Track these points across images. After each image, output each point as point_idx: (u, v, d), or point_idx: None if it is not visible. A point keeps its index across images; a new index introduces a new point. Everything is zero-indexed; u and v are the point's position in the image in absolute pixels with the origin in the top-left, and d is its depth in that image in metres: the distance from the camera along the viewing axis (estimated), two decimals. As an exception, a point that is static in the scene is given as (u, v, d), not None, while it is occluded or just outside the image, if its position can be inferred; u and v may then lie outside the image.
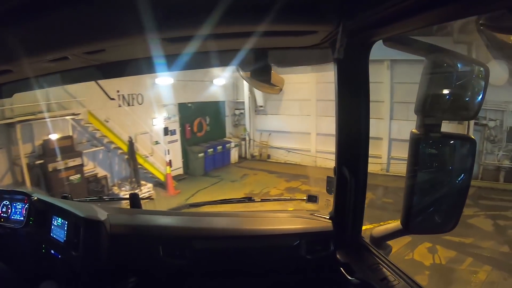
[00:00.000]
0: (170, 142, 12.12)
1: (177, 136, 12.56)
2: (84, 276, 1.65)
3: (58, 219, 1.76)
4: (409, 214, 1.16)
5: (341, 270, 1.39)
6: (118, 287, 1.57)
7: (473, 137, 1.09)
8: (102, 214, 1.70)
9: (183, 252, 1.60)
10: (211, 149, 13.27)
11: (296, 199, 2.46)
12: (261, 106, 14.54)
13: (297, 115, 13.82)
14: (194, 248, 1.60)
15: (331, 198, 1.56)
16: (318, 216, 1.67)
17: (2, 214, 1.99)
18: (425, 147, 1.13)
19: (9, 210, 1.98)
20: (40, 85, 1.69)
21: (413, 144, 1.12)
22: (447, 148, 1.13)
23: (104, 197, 2.13)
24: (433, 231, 1.45)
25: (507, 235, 7.40)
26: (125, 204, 2.01)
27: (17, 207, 1.97)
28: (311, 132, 13.61)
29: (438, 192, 1.14)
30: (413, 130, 1.13)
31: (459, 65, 1.12)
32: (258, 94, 14.09)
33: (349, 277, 1.33)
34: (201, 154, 12.86)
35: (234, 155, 14.51)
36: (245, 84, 13.55)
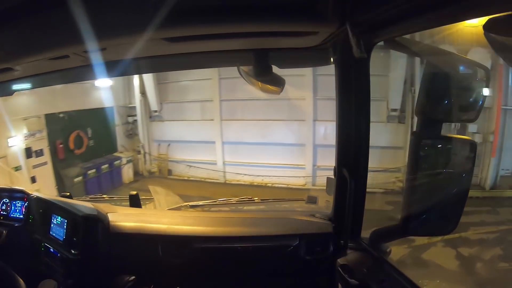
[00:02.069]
0: (36, 166, 8.92)
1: (47, 157, 9.26)
2: (83, 274, 1.65)
3: (57, 218, 1.76)
4: (409, 216, 1.16)
5: (340, 272, 1.39)
6: (117, 286, 1.57)
7: (469, 138, 1.09)
8: (101, 213, 1.70)
9: (182, 252, 1.60)
10: (94, 170, 10.14)
11: (296, 200, 2.47)
12: (156, 111, 11.65)
13: (199, 120, 11.19)
14: (193, 248, 1.60)
15: (330, 199, 1.56)
16: (317, 217, 1.66)
17: (1, 212, 1.99)
18: (425, 149, 1.13)
19: (9, 208, 1.98)
20: (41, 83, 1.69)
21: (413, 146, 1.12)
22: (447, 150, 1.13)
23: (104, 196, 2.13)
24: (432, 233, 1.46)
25: (477, 275, 5.53)
26: (125, 203, 2.01)
27: (17, 205, 1.97)
28: (215, 140, 10.96)
29: (437, 194, 1.14)
30: (413, 132, 1.13)
31: (459, 67, 1.11)
32: (152, 96, 11.30)
33: (348, 279, 1.33)
34: (78, 178, 9.71)
35: (127, 173, 11.41)
36: (136, 85, 11.17)
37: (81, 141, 10.31)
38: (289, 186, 9.97)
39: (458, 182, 1.11)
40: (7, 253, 1.89)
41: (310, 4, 0.88)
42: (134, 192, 1.93)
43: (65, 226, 1.70)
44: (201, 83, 10.63)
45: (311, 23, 0.98)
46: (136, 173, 11.75)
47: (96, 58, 1.25)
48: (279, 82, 1.51)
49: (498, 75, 8.87)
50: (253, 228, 1.72)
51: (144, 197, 1.98)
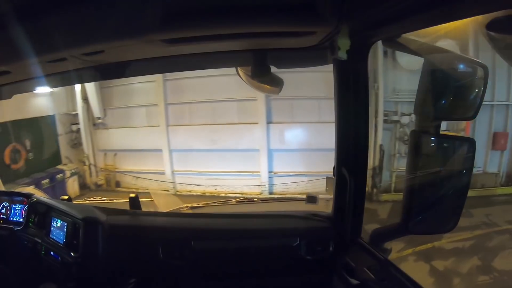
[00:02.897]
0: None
1: (-22, 175, 7.66)
2: (83, 277, 1.64)
3: (57, 221, 1.76)
4: (409, 215, 1.16)
5: (341, 271, 1.39)
6: None
7: (468, 136, 1.10)
8: (101, 215, 1.70)
9: (183, 253, 1.60)
10: (32, 186, 8.18)
11: (296, 199, 2.47)
12: (99, 118, 10.34)
13: (145, 127, 10.06)
14: (193, 249, 1.59)
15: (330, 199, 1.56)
16: (318, 217, 1.66)
17: (1, 216, 1.98)
18: (424, 148, 1.13)
19: (9, 212, 1.97)
20: (39, 86, 1.68)
21: (412, 145, 1.12)
22: (446, 148, 1.14)
23: (104, 199, 2.13)
24: (432, 231, 1.46)
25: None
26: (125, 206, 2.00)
27: (17, 208, 1.96)
28: (162, 148, 9.83)
29: (437, 192, 1.14)
30: (412, 130, 1.13)
31: (457, 65, 1.12)
32: (94, 102, 10.06)
33: (349, 278, 1.33)
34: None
35: (73, 186, 10.11)
36: (78, 90, 10.11)
37: (19, 155, 8.98)
38: (243, 195, 8.54)
39: (457, 180, 1.12)
40: (7, 256, 1.89)
41: (307, 4, 0.88)
42: (134, 194, 1.93)
43: (65, 229, 1.70)
44: (145, 86, 9.44)
45: (308, 23, 0.98)
46: (84, 186, 10.45)
47: (94, 61, 1.25)
48: (277, 82, 1.51)
49: None
50: (253, 228, 1.72)
51: (143, 199, 1.97)
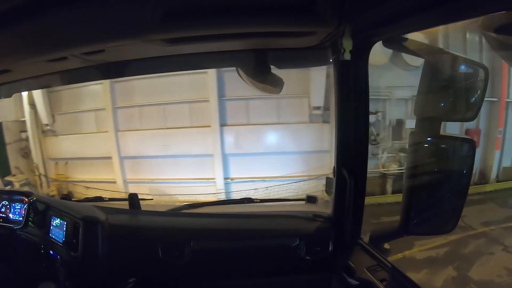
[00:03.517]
0: None
1: None
2: (83, 276, 1.64)
3: (57, 220, 1.76)
4: (408, 216, 1.16)
5: (341, 271, 1.39)
6: None
7: (468, 137, 1.09)
8: (101, 214, 1.70)
9: (182, 253, 1.60)
10: None
11: (296, 200, 2.46)
12: (47, 125, 9.40)
13: (94, 133, 9.16)
14: (193, 249, 1.59)
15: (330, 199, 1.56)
16: (317, 217, 1.66)
17: (1, 215, 1.98)
18: (424, 148, 1.13)
19: (8, 211, 1.98)
20: (39, 85, 1.69)
21: (412, 145, 1.12)
22: (446, 149, 1.13)
23: (103, 197, 2.13)
24: (432, 232, 1.45)
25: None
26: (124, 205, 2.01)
27: (16, 207, 1.96)
28: (112, 155, 8.93)
29: (437, 193, 1.14)
30: (412, 131, 1.13)
31: (458, 66, 1.12)
32: (41, 107, 9.17)
33: (349, 278, 1.33)
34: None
35: None
36: (25, 95, 9.19)
37: (-39, 168, 7.79)
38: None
39: (457, 181, 1.12)
40: (6, 255, 1.89)
41: (308, 4, 0.88)
42: (133, 193, 1.93)
43: (64, 228, 1.70)
44: (94, 88, 8.57)
45: (309, 23, 0.98)
46: (37, 197, 9.54)
47: (95, 60, 1.25)
48: (278, 82, 1.51)
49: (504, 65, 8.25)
50: (253, 228, 1.72)
51: (143, 198, 1.97)
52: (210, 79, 7.87)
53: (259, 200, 2.09)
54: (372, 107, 7.40)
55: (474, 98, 1.06)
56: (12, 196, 1.99)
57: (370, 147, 5.97)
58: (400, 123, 8.63)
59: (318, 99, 7.98)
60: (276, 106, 8.04)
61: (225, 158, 8.28)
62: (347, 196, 1.40)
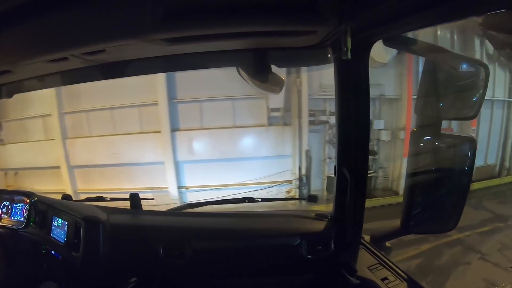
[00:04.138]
0: None
1: None
2: (84, 276, 1.65)
3: (58, 220, 1.76)
4: (409, 214, 1.16)
5: (342, 270, 1.39)
6: None
7: (469, 135, 1.09)
8: (102, 214, 1.70)
9: (183, 253, 1.60)
10: None
11: (297, 199, 2.47)
12: None
13: (42, 141, 8.38)
14: (194, 248, 1.60)
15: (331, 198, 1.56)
16: (318, 216, 1.66)
17: (2, 215, 1.99)
18: (425, 147, 1.13)
19: (10, 211, 1.98)
20: (40, 86, 1.69)
21: (413, 144, 1.12)
22: (447, 148, 1.13)
23: (105, 197, 2.13)
24: (433, 231, 1.46)
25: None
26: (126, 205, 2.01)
27: (17, 207, 1.97)
28: (60, 165, 8.19)
29: (438, 192, 1.14)
30: (413, 130, 1.13)
31: (458, 65, 1.12)
32: None
33: (350, 277, 1.33)
34: None
35: None
36: None
37: None
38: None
39: (458, 179, 1.12)
40: (8, 255, 1.90)
41: (308, 3, 0.88)
42: (135, 192, 1.93)
43: (66, 228, 1.70)
44: (41, 92, 7.43)
45: (309, 22, 0.98)
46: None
47: (95, 60, 1.25)
48: (278, 82, 1.51)
49: (408, 65, 7.98)
50: (254, 227, 1.72)
51: (144, 198, 1.98)
52: (159, 80, 7.15)
53: (260, 199, 2.09)
54: (333, 107, 7.42)
55: (474, 97, 1.06)
56: (13, 196, 2.00)
57: (333, 151, 5.77)
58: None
59: (277, 100, 7.44)
60: (232, 108, 7.47)
61: (178, 165, 7.66)
62: (348, 195, 1.40)
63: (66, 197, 2.08)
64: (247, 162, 7.47)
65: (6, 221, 1.95)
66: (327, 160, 7.98)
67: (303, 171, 7.72)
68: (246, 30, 1.02)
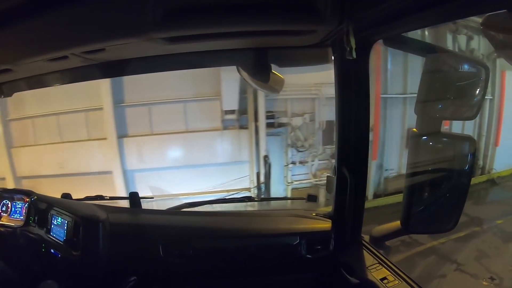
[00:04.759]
0: None
1: None
2: (83, 275, 1.65)
3: (58, 219, 1.76)
4: (409, 214, 1.16)
5: (341, 270, 1.39)
6: (118, 287, 1.57)
7: (469, 135, 1.09)
8: (101, 213, 1.70)
9: (183, 251, 1.60)
10: None
11: (296, 199, 2.47)
12: None
13: None
14: (194, 247, 1.60)
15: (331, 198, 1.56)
16: (318, 216, 1.66)
17: (2, 213, 1.99)
18: (425, 147, 1.13)
19: (9, 209, 1.98)
20: (40, 84, 1.69)
21: (413, 144, 1.12)
22: (447, 148, 1.13)
23: (104, 196, 2.13)
24: (433, 230, 1.46)
25: None
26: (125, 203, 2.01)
27: (17, 206, 1.96)
28: (5, 176, 7.57)
29: (437, 191, 1.14)
30: (413, 130, 1.13)
31: (458, 65, 1.12)
32: None
33: (349, 277, 1.33)
34: None
35: None
36: None
37: None
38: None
39: (457, 179, 1.12)
40: (7, 254, 1.90)
41: (309, 3, 0.88)
42: (134, 191, 1.93)
43: (65, 227, 1.70)
44: None
45: (309, 21, 0.98)
46: None
47: (95, 59, 1.25)
48: (278, 81, 1.51)
49: (376, 63, 7.42)
50: (253, 226, 1.72)
51: (144, 197, 1.98)
52: (103, 82, 6.33)
53: (259, 199, 2.09)
54: (297, 107, 7.20)
55: (474, 97, 1.06)
56: (13, 195, 2.00)
57: (297, 155, 5.74)
58: (332, 125, 7.00)
59: (231, 101, 6.73)
60: (184, 111, 6.84)
61: (128, 174, 7.01)
62: (347, 195, 1.40)
63: (66, 195, 2.08)
64: (202, 169, 6.82)
65: (5, 220, 1.95)
66: (290, 166, 7.30)
67: (262, 178, 7.00)
68: (246, 29, 1.02)
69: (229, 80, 6.44)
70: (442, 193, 1.14)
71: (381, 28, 1.05)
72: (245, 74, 1.48)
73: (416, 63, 6.70)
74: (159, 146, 6.94)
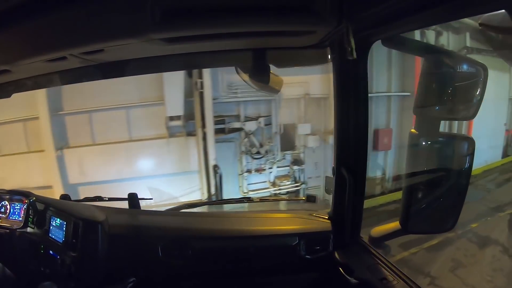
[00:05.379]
0: None
1: None
2: (82, 276, 1.64)
3: (56, 220, 1.75)
4: (408, 214, 1.17)
5: (340, 270, 1.39)
6: None
7: (467, 135, 1.09)
8: (100, 214, 1.69)
9: (182, 252, 1.60)
10: None
11: (296, 199, 2.48)
12: None
13: None
14: (193, 248, 1.59)
15: (329, 198, 1.57)
16: (317, 216, 1.67)
17: (0, 215, 1.98)
18: (423, 147, 1.13)
19: (8, 211, 1.97)
20: (39, 85, 1.68)
21: (412, 144, 1.12)
22: (445, 148, 1.14)
23: (103, 197, 2.13)
24: (432, 231, 1.46)
25: None
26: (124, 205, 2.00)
27: (16, 207, 1.96)
28: None
29: (436, 192, 1.14)
30: (411, 130, 1.13)
31: (457, 65, 1.12)
32: None
33: (348, 277, 1.33)
34: None
35: None
36: None
37: None
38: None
39: (456, 179, 1.12)
40: (6, 255, 1.89)
41: (307, 3, 0.88)
42: (133, 192, 1.93)
43: (64, 228, 1.70)
44: None
45: (308, 22, 0.98)
46: None
47: (94, 60, 1.25)
48: (277, 82, 1.51)
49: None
50: (252, 227, 1.72)
51: (143, 198, 1.97)
52: (39, 91, 5.62)
53: (258, 199, 2.09)
54: (252, 110, 6.58)
55: (473, 97, 1.06)
56: (11, 196, 1.99)
57: (253, 163, 5.39)
58: (290, 128, 7.09)
59: (175, 106, 6.13)
60: (127, 118, 6.27)
61: (70, 189, 6.27)
62: (346, 195, 1.40)
63: (65, 197, 2.08)
64: (149, 181, 6.27)
65: (4, 221, 1.95)
66: (245, 175, 6.73)
67: (213, 191, 6.27)
68: (245, 30, 1.02)
69: (173, 83, 5.93)
70: (441, 193, 1.14)
71: (379, 28, 1.05)
72: (244, 75, 1.48)
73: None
74: (102, 157, 6.31)
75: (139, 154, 6.32)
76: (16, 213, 1.95)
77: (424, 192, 1.16)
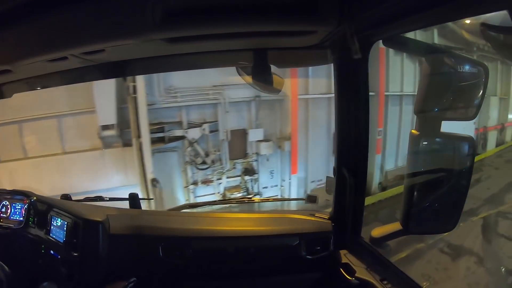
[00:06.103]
0: None
1: None
2: (83, 276, 1.64)
3: (57, 220, 1.76)
4: (409, 215, 1.16)
5: (341, 270, 1.39)
6: None
7: (468, 136, 1.09)
8: (101, 214, 1.70)
9: (183, 252, 1.60)
10: None
11: (296, 199, 2.48)
12: None
13: None
14: (193, 248, 1.60)
15: (330, 199, 1.56)
16: (317, 216, 1.66)
17: (1, 214, 1.99)
18: (424, 147, 1.13)
19: (9, 211, 1.98)
20: (40, 85, 1.69)
21: (413, 144, 1.12)
22: (446, 148, 1.13)
23: (104, 197, 2.13)
24: (433, 231, 1.46)
25: None
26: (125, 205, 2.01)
27: (17, 207, 1.96)
28: None
29: (437, 192, 1.14)
30: (412, 131, 1.13)
31: (457, 65, 1.12)
32: None
33: (349, 277, 1.33)
34: None
35: None
36: None
37: None
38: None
39: (457, 179, 1.12)
40: (7, 255, 1.89)
41: (308, 4, 0.88)
42: (134, 192, 1.93)
43: (65, 228, 1.70)
44: None
45: (309, 22, 0.98)
46: None
47: (95, 60, 1.25)
48: (278, 82, 1.51)
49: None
50: (253, 227, 1.72)
51: (143, 198, 1.98)
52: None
53: (258, 200, 2.09)
54: (195, 116, 5.85)
55: (474, 97, 1.06)
56: (12, 196, 2.00)
57: (199, 174, 4.93)
58: (240, 135, 6.52)
59: (107, 114, 5.46)
60: (59, 128, 5.63)
61: None
62: (347, 195, 1.40)
63: (66, 197, 2.08)
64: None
65: (5, 221, 1.95)
66: (191, 187, 6.10)
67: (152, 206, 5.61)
68: (246, 30, 1.02)
69: (103, 88, 5.27)
70: (442, 193, 1.14)
71: (380, 28, 1.05)
72: (244, 75, 1.48)
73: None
74: (34, 173, 5.61)
75: (73, 167, 5.67)
76: (17, 213, 1.95)
77: (425, 192, 1.15)
